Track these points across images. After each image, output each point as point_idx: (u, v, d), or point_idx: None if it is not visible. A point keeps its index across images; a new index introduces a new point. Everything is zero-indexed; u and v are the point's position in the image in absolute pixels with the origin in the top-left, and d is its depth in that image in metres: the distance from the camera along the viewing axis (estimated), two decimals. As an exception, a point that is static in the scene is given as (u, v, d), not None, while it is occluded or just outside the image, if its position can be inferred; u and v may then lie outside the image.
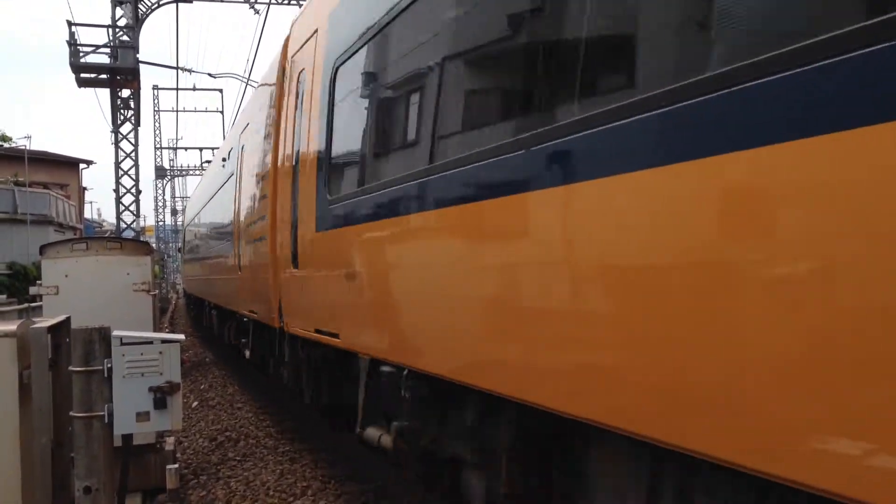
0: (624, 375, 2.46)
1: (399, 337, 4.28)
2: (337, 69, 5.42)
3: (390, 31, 4.42)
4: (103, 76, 26.64)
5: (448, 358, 3.70)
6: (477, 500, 4.00)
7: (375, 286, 4.56)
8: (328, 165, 5.52)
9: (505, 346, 3.16)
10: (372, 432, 4.91)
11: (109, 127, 27.23)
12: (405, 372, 4.21)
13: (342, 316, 5.27)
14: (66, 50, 25.23)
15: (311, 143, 5.96)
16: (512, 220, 3.04)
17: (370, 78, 4.90)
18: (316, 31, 6.17)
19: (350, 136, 5.25)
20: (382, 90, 4.71)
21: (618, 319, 2.47)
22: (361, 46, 4.88)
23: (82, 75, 26.25)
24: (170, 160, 62.28)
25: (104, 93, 27.17)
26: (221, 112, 49.91)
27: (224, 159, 13.13)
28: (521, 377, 3.04)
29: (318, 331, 5.78)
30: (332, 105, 5.50)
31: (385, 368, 4.57)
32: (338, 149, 5.44)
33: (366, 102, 4.97)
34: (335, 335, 5.32)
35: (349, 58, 5.15)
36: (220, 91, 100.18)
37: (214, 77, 40.18)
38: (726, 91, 1.99)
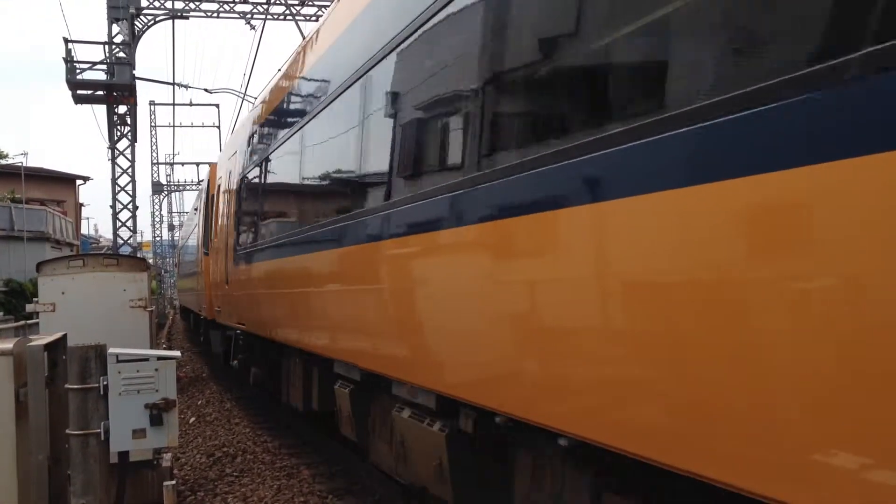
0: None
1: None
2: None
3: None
4: (100, 92, 26.66)
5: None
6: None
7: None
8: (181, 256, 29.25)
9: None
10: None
11: (106, 143, 27.29)
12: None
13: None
14: (62, 66, 25.34)
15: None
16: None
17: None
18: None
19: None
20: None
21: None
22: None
23: (79, 92, 26.27)
24: (167, 175, 62.21)
25: (101, 109, 27.22)
26: (218, 127, 49.97)
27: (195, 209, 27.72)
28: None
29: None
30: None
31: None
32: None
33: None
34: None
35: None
36: (217, 106, 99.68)
37: (211, 92, 40.32)
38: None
